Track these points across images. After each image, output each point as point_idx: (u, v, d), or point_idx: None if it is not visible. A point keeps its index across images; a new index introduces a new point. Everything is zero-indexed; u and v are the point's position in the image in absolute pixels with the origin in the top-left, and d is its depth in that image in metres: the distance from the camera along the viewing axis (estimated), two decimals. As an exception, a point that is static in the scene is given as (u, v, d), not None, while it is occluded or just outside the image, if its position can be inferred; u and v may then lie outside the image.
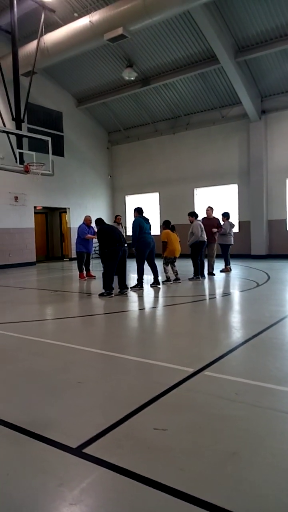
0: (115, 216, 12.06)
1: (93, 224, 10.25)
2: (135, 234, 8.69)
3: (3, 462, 2.37)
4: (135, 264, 8.99)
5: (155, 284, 9.09)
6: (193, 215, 10.13)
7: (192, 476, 2.16)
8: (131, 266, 9.94)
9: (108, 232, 8.11)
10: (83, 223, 11.05)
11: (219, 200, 16.53)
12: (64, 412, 2.98)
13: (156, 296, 8.11)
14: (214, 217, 10.97)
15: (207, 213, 11.00)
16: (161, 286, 9.10)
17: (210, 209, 11.07)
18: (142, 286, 8.85)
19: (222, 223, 11.21)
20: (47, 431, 2.69)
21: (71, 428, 2.72)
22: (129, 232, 9.69)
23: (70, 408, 3.04)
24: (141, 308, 7.08)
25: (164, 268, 9.59)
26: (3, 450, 2.51)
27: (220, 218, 11.22)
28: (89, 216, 11.23)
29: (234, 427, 2.69)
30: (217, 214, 11.45)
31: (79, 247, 10.84)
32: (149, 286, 9.08)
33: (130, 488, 2.08)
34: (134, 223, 8.78)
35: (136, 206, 9.26)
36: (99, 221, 8.80)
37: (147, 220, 9.01)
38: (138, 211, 9.06)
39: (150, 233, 8.93)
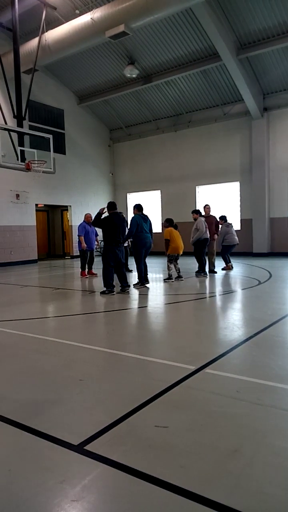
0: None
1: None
2: (131, 231, 8.66)
3: (5, 459, 2.38)
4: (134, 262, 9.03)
5: (142, 282, 9.02)
6: (198, 212, 10.20)
7: (193, 473, 2.17)
8: (132, 264, 9.94)
9: (112, 226, 7.94)
10: (84, 221, 11.08)
11: (221, 198, 16.52)
12: (65, 409, 2.99)
13: (157, 294, 8.11)
14: (212, 215, 10.94)
15: (205, 211, 10.98)
16: (159, 283, 9.06)
17: (208, 207, 11.06)
18: (143, 283, 8.86)
19: (219, 226, 11.24)
20: (49, 428, 2.69)
21: (73, 425, 2.73)
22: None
23: (71, 405, 3.05)
24: (143, 306, 7.08)
25: (168, 266, 9.60)
26: (5, 446, 2.52)
27: (217, 216, 11.21)
28: (89, 214, 11.23)
29: (236, 424, 2.69)
30: (219, 212, 11.41)
31: (80, 245, 10.87)
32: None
33: (131, 485, 2.09)
34: (132, 220, 8.74)
35: (136, 203, 9.22)
36: (110, 206, 8.38)
37: (146, 218, 8.96)
38: (138, 208, 9.00)
39: (148, 232, 8.87)
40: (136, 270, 9.06)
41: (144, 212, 9.14)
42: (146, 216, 9.01)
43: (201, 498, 1.96)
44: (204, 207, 11.15)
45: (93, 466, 2.25)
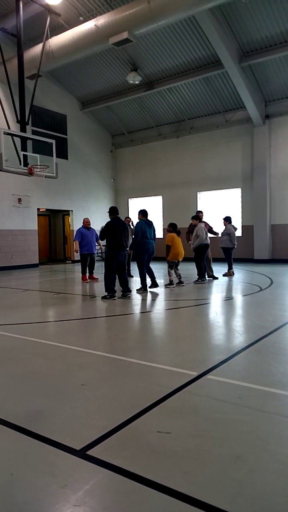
0: (124, 218, 11.92)
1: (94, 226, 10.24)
2: (136, 238, 8.69)
3: (7, 463, 2.37)
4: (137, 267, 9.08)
5: (153, 286, 9.10)
6: (197, 218, 10.20)
7: (196, 479, 2.16)
8: (136, 269, 9.93)
9: (114, 231, 7.95)
10: (82, 226, 11.11)
11: (222, 204, 16.55)
12: (68, 414, 2.99)
13: (159, 300, 8.11)
14: (204, 221, 10.94)
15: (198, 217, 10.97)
16: (160, 288, 9.10)
17: (201, 213, 11.06)
18: (146, 289, 8.88)
19: (223, 227, 11.24)
20: (51, 432, 2.69)
21: (75, 430, 2.72)
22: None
23: (74, 410, 3.04)
24: (144, 311, 7.08)
25: (168, 272, 9.61)
26: (8, 451, 2.52)
27: (218, 222, 11.21)
28: (87, 218, 11.29)
29: (238, 431, 2.68)
30: (221, 219, 11.47)
31: (80, 249, 10.89)
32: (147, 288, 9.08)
33: (133, 490, 2.08)
34: (136, 226, 8.79)
35: (141, 209, 9.24)
36: (112, 211, 8.35)
37: (150, 224, 9.00)
38: (143, 213, 9.04)
39: (151, 238, 8.92)
40: (138, 275, 9.08)
41: (148, 217, 9.17)
42: (151, 222, 9.05)
43: (203, 504, 1.95)
44: (197, 213, 11.14)
45: (96, 471, 2.25)
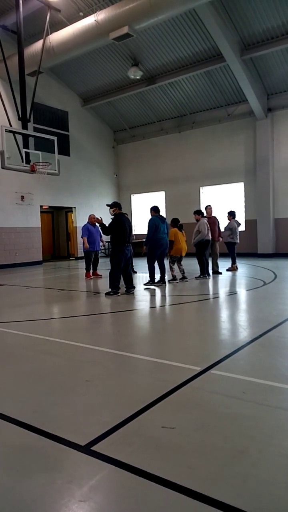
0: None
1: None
2: (150, 233, 8.75)
3: (12, 459, 2.39)
4: (146, 262, 9.18)
5: (160, 282, 9.13)
6: (199, 213, 10.16)
7: (201, 474, 2.16)
8: (139, 265, 9.98)
9: (122, 227, 7.96)
10: (88, 222, 11.09)
11: (225, 198, 16.49)
12: (72, 410, 3.00)
13: (162, 295, 8.11)
14: (214, 216, 10.93)
15: (207, 212, 10.94)
16: (166, 284, 9.12)
17: (209, 208, 11.04)
18: (154, 282, 8.97)
19: (227, 221, 11.20)
20: (56, 429, 2.70)
21: (80, 426, 2.74)
22: (143, 230, 9.73)
23: (78, 406, 3.06)
24: (148, 307, 7.08)
25: (171, 267, 9.60)
26: (13, 447, 2.53)
27: (221, 216, 11.18)
28: (93, 215, 11.25)
29: (242, 425, 2.69)
30: (224, 213, 11.45)
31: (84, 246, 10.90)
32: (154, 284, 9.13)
33: (138, 486, 2.09)
34: (150, 222, 8.85)
35: (153, 205, 9.27)
36: (117, 205, 8.36)
37: (163, 219, 9.05)
38: (155, 210, 9.10)
39: (165, 233, 8.97)
40: (147, 270, 9.16)
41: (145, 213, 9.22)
42: (163, 218, 9.11)
43: (208, 499, 1.96)
44: (206, 207, 11.12)
45: (100, 467, 2.26)
